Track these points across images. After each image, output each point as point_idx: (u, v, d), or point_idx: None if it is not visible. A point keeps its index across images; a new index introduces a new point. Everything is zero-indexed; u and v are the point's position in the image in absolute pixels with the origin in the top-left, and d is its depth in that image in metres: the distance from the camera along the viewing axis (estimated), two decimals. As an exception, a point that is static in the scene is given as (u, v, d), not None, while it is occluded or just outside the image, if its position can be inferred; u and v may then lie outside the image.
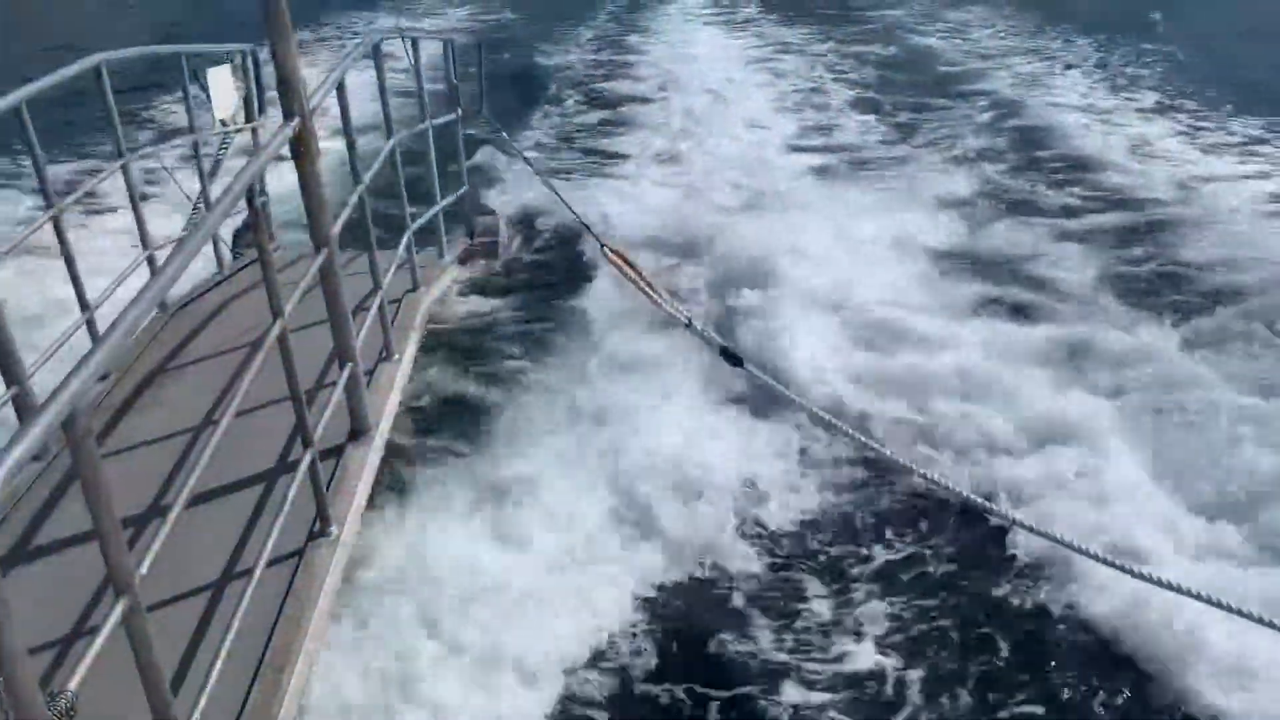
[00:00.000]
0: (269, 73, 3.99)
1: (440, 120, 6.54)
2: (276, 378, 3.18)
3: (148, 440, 4.15)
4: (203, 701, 2.50)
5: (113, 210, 8.03)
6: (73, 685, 1.90)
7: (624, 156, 11.10)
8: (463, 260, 7.14)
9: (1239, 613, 3.12)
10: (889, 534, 4.94)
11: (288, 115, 3.43)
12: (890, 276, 7.35)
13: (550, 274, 7.71)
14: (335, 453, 3.99)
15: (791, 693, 4.02)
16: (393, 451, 4.74)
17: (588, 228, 6.80)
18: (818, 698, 3.99)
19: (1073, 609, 4.30)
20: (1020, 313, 6.94)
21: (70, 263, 4.45)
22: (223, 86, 5.80)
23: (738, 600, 4.54)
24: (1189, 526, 4.65)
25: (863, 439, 4.63)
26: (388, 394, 4.56)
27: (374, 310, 4.59)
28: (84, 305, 4.56)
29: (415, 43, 6.32)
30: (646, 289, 6.14)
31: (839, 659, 4.20)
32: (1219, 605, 3.17)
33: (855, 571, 4.72)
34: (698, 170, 10.34)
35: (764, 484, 5.21)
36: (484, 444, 5.38)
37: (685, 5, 21.16)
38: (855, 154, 11.06)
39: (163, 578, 2.66)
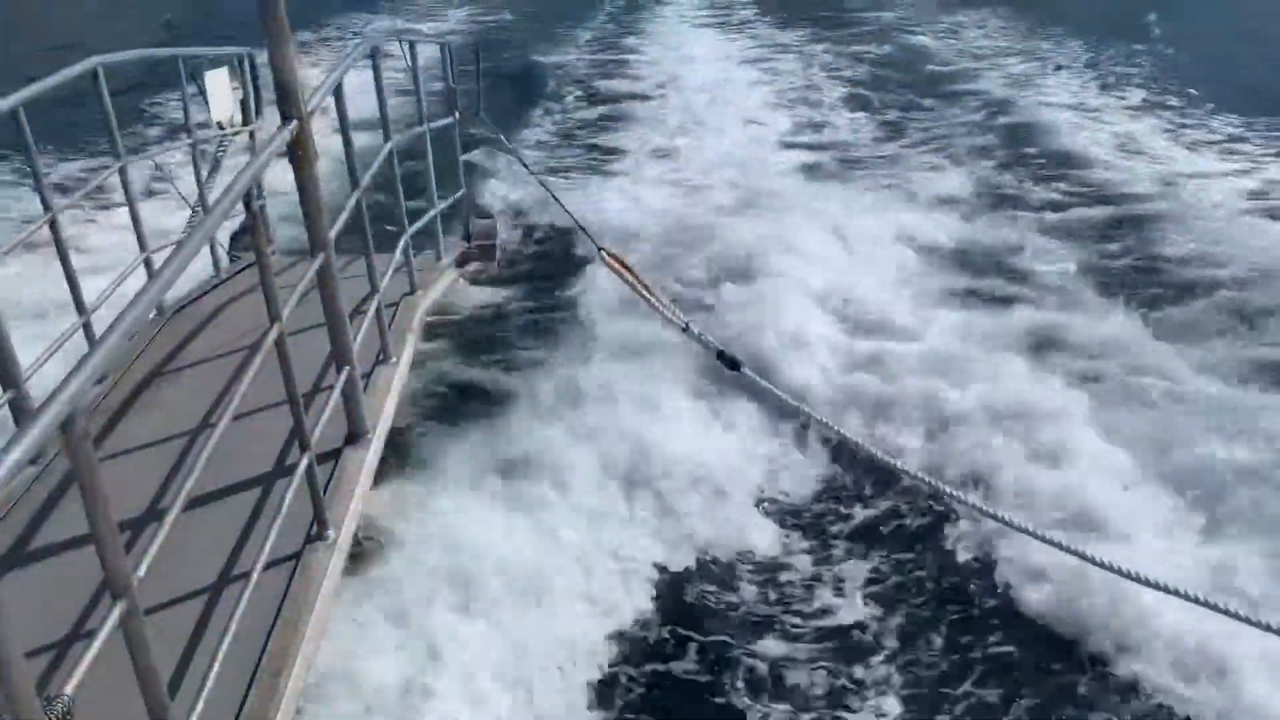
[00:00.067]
0: (266, 75, 4.00)
1: (438, 123, 6.55)
2: (274, 381, 3.18)
3: (145, 443, 4.15)
4: (200, 705, 2.49)
5: (110, 213, 8.03)
6: (69, 689, 1.90)
7: (622, 155, 11.19)
8: (460, 263, 7.14)
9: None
10: (882, 534, 4.99)
11: (285, 118, 3.43)
12: (881, 270, 7.53)
13: (547, 277, 7.72)
14: (333, 456, 3.99)
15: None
16: (390, 454, 4.74)
17: (585, 231, 6.81)
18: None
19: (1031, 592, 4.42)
20: (1002, 302, 7.14)
21: (67, 265, 4.45)
22: (220, 89, 5.80)
23: (733, 579, 4.67)
24: (1145, 504, 4.83)
25: (858, 441, 4.66)
26: (385, 397, 4.56)
27: (371, 313, 4.59)
28: (81, 308, 4.55)
29: (413, 46, 6.32)
30: (644, 292, 6.15)
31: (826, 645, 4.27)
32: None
33: (841, 561, 4.81)
34: (695, 170, 10.43)
35: (761, 481, 5.31)
36: (483, 446, 5.38)
37: (681, 8, 21.20)
38: (849, 151, 11.22)
39: (160, 581, 2.66)
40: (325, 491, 3.61)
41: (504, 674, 3.92)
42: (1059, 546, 3.77)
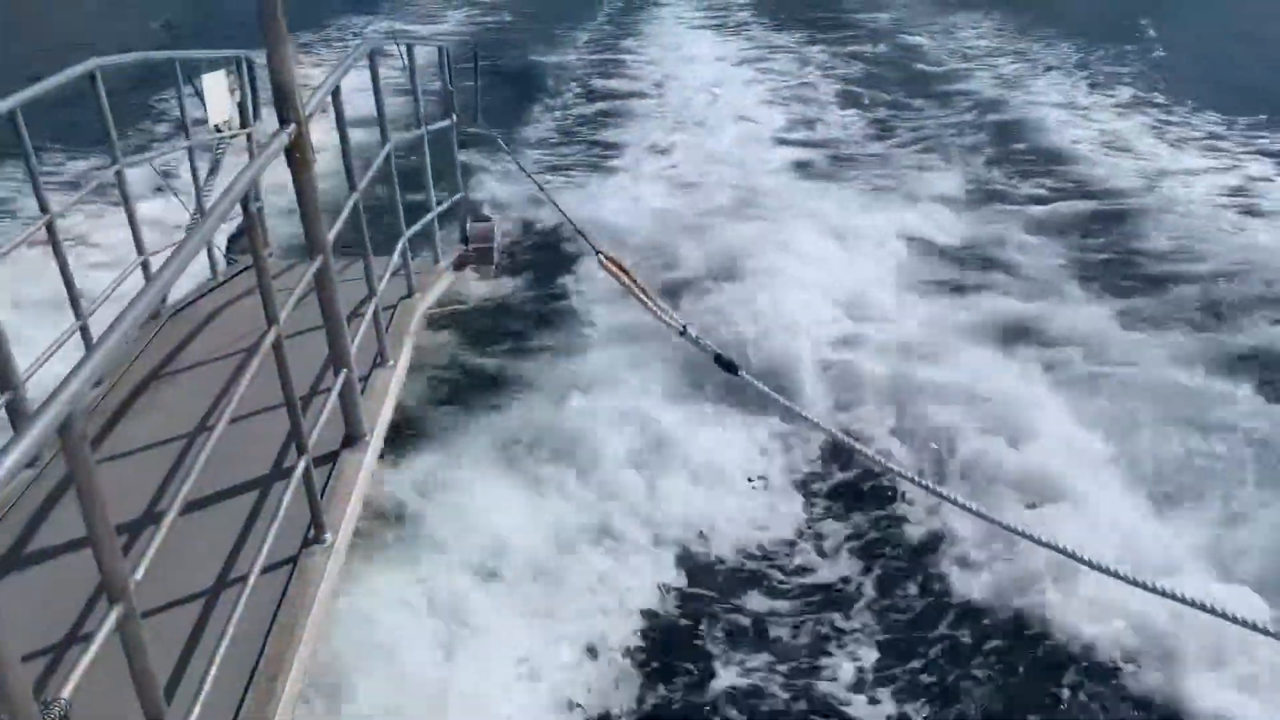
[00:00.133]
0: (264, 77, 4.00)
1: (435, 126, 6.55)
2: (271, 384, 3.18)
3: (142, 446, 4.14)
4: (197, 709, 2.49)
5: (108, 215, 8.02)
6: (66, 693, 1.89)
7: (620, 154, 11.31)
8: (458, 266, 7.14)
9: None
10: (878, 534, 5.05)
11: (283, 122, 3.43)
12: (870, 263, 7.78)
13: (545, 280, 7.74)
14: (330, 459, 3.98)
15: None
16: (387, 457, 4.74)
17: (583, 234, 6.80)
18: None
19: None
20: (984, 293, 7.40)
21: (64, 268, 4.45)
22: (217, 92, 5.79)
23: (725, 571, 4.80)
24: (1103, 483, 5.05)
25: (856, 445, 4.66)
26: (382, 400, 4.55)
27: (369, 316, 4.59)
28: (78, 311, 4.55)
29: (411, 48, 6.32)
30: (641, 296, 6.14)
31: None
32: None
33: (835, 559, 4.91)
34: (692, 168, 10.60)
35: (759, 480, 5.42)
36: (481, 448, 5.39)
37: (679, 9, 21.25)
38: (842, 149, 11.45)
39: (157, 584, 2.65)
40: (322, 495, 3.61)
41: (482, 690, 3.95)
42: (1050, 545, 3.75)
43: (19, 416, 3.77)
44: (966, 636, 4.36)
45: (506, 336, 6.84)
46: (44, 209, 4.28)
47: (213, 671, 2.58)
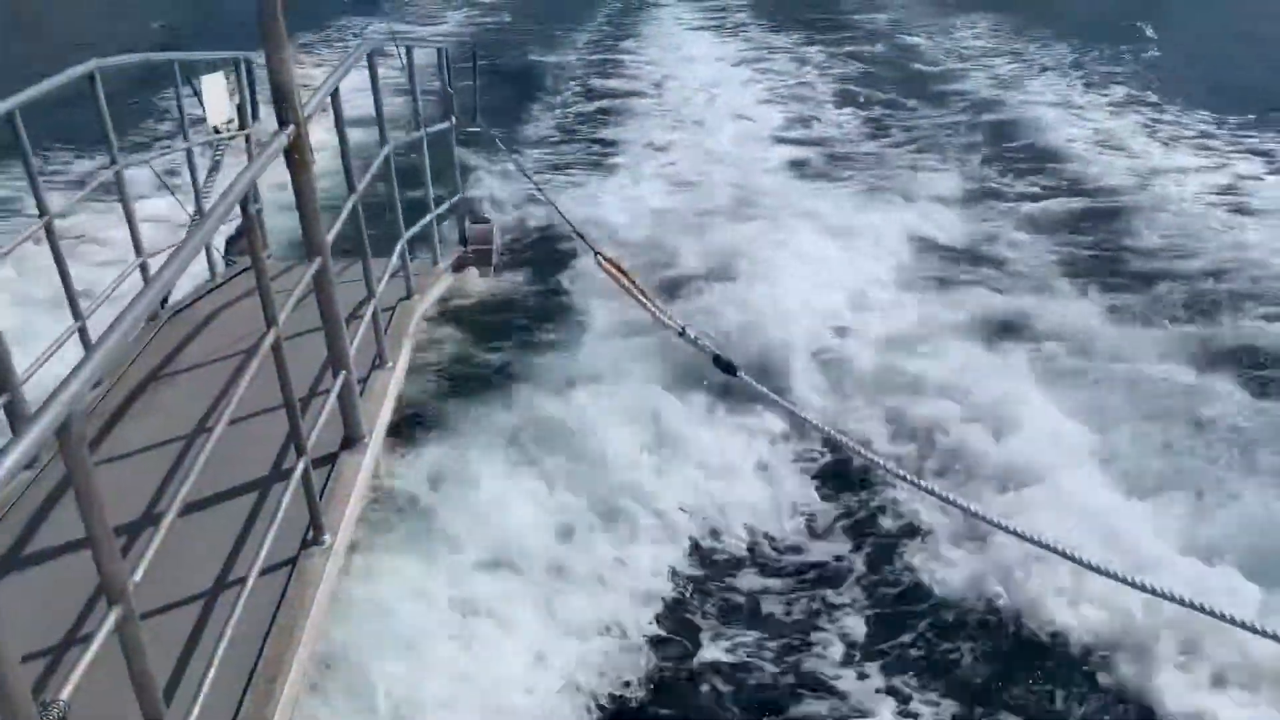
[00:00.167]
0: (262, 78, 4.00)
1: (434, 128, 6.55)
2: (270, 385, 3.18)
3: (140, 447, 4.14)
4: (195, 710, 2.49)
5: (106, 217, 8.02)
6: (65, 694, 1.89)
7: (618, 155, 11.36)
8: (457, 268, 7.14)
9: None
10: (874, 536, 5.06)
11: (282, 123, 3.43)
12: (865, 259, 7.89)
13: (544, 282, 7.74)
14: (328, 460, 3.98)
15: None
16: (386, 459, 4.74)
17: (582, 236, 6.81)
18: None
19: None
20: (979, 289, 7.53)
21: (63, 268, 4.44)
22: (216, 93, 5.80)
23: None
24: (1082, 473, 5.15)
25: (853, 445, 4.67)
26: (381, 402, 4.55)
27: (367, 318, 4.59)
28: (76, 312, 4.55)
29: (410, 50, 6.32)
30: (640, 297, 6.14)
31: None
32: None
33: (831, 558, 4.94)
34: (690, 166, 10.70)
35: (754, 480, 5.45)
36: (479, 450, 5.38)
37: (677, 11, 21.30)
38: (839, 148, 11.55)
39: (156, 586, 2.65)
40: (321, 496, 3.61)
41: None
42: (1035, 541, 3.79)
43: (17, 418, 3.77)
44: (950, 617, 4.46)
45: (505, 338, 6.84)
46: (43, 210, 4.28)
47: (211, 673, 2.58)
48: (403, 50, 6.28)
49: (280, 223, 6.31)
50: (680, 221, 8.68)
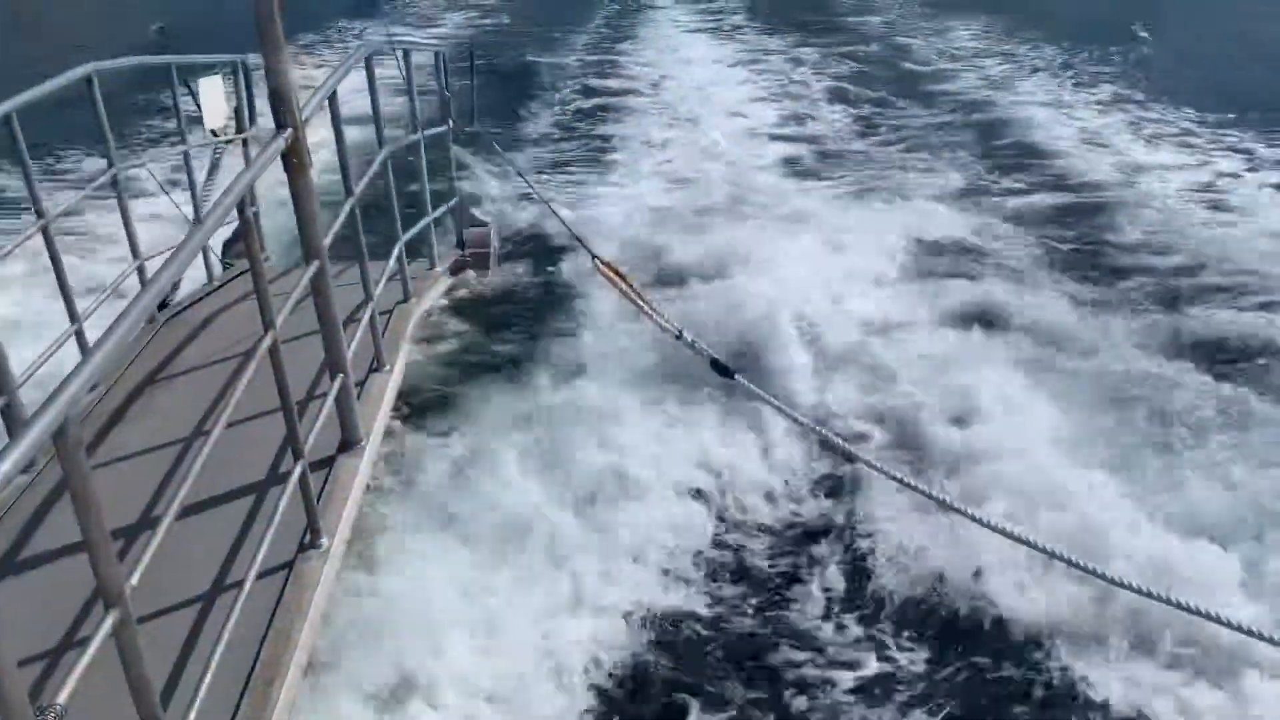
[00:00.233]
0: (260, 81, 4.00)
1: (432, 131, 6.55)
2: (267, 388, 3.18)
3: (137, 451, 4.14)
4: (192, 714, 2.48)
5: (103, 220, 8.02)
6: (62, 698, 1.89)
7: (615, 155, 11.44)
8: (454, 271, 7.14)
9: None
10: (870, 539, 5.04)
11: (280, 127, 3.43)
12: (860, 256, 7.99)
13: (541, 285, 7.74)
14: (326, 464, 3.98)
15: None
16: (383, 462, 4.74)
17: (579, 239, 6.83)
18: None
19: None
20: (966, 282, 7.67)
21: (60, 273, 4.44)
22: (213, 96, 5.80)
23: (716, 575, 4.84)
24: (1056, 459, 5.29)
25: (849, 448, 4.71)
26: (379, 405, 4.55)
27: (365, 321, 4.59)
28: (73, 316, 4.54)
29: (407, 54, 6.33)
30: (638, 300, 6.16)
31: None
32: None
33: (827, 561, 4.94)
34: (687, 167, 10.80)
35: (753, 481, 5.47)
36: (476, 452, 5.38)
37: (674, 14, 21.36)
38: (832, 147, 11.73)
39: (153, 590, 2.65)
40: (318, 499, 3.60)
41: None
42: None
43: (14, 421, 3.77)
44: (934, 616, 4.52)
45: (503, 342, 6.84)
46: (40, 213, 4.28)
47: (208, 677, 2.58)
48: (400, 54, 6.29)
49: (278, 225, 6.31)
50: (676, 220, 8.79)
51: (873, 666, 4.25)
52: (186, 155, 5.85)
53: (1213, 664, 4.02)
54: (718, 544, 4.99)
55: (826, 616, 4.52)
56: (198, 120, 5.95)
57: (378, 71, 5.40)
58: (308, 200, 3.59)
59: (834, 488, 5.39)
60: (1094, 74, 14.65)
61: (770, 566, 4.89)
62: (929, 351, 6.46)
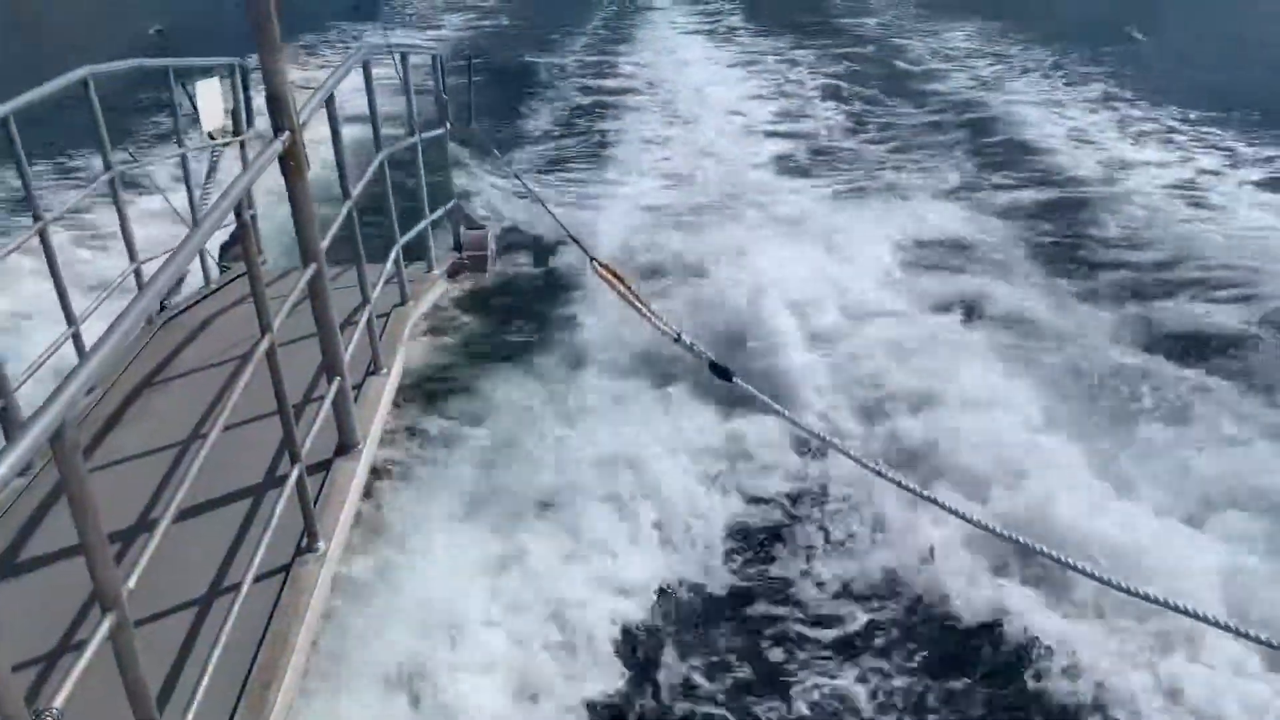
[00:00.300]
0: (257, 82, 4.00)
1: (429, 133, 6.55)
2: (264, 392, 3.17)
3: (135, 454, 4.13)
4: (189, 718, 2.48)
5: (100, 223, 8.01)
6: (59, 702, 1.89)
7: (613, 154, 11.57)
8: (451, 274, 7.13)
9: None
10: (866, 537, 5.13)
11: (277, 130, 3.43)
12: (852, 251, 8.23)
13: (538, 288, 7.75)
14: (323, 467, 3.97)
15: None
16: (381, 465, 4.74)
17: (577, 241, 6.81)
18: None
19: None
20: (946, 272, 8.01)
21: (57, 276, 4.43)
22: (211, 99, 5.79)
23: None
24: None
25: (848, 451, 4.70)
26: (376, 408, 4.55)
27: (362, 324, 4.58)
28: (70, 319, 4.54)
29: (405, 57, 6.33)
30: (635, 303, 6.15)
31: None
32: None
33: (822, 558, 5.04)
34: (683, 166, 10.99)
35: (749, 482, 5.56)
36: (474, 456, 5.39)
37: (671, 15, 21.41)
38: (826, 145, 11.97)
39: (149, 593, 2.64)
40: (316, 503, 3.60)
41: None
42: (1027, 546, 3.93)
43: (11, 424, 3.76)
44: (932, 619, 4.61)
45: (500, 345, 6.84)
46: (37, 216, 4.28)
47: (205, 680, 2.58)
48: (398, 57, 6.28)
49: (276, 226, 6.31)
50: (673, 219, 8.94)
51: (864, 660, 4.35)
52: (184, 158, 5.84)
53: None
54: (714, 544, 5.03)
55: (823, 612, 4.61)
56: (195, 123, 5.94)
57: (375, 74, 5.40)
58: (305, 203, 3.59)
59: (831, 488, 5.42)
60: (1084, 74, 14.85)
61: (768, 560, 4.98)
62: (913, 339, 6.67)
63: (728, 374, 5.74)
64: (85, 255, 7.65)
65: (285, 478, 3.33)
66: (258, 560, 3.02)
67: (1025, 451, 5.32)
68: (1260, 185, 10.04)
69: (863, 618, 4.59)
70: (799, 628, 4.54)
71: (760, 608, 4.67)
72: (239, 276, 5.88)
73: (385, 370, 4.86)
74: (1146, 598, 3.05)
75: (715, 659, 4.36)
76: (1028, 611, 4.41)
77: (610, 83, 15.20)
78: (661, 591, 4.64)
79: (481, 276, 7.50)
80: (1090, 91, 13.94)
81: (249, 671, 2.96)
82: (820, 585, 4.83)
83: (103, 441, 4.26)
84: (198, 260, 5.83)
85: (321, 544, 3.51)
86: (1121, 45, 16.24)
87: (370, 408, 4.51)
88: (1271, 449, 5.39)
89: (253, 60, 4.17)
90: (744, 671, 4.30)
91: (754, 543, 5.10)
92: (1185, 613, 3.01)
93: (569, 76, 15.67)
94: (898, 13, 21.03)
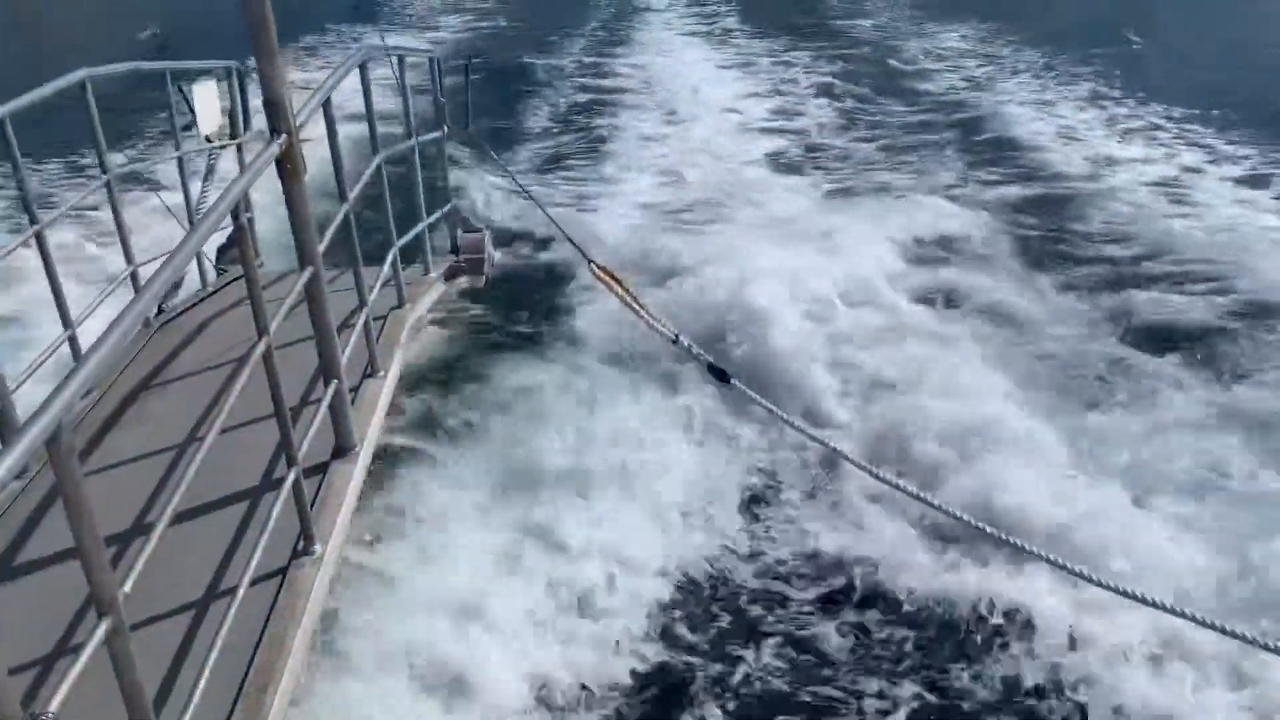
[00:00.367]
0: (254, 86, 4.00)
1: (426, 136, 6.54)
2: (261, 394, 3.17)
3: (130, 457, 4.12)
4: None
5: (97, 226, 8.00)
6: (54, 706, 1.88)
7: (610, 153, 11.73)
8: (448, 277, 7.11)
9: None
10: (861, 538, 5.24)
11: (274, 133, 3.42)
12: (844, 247, 8.49)
13: (537, 289, 7.76)
14: (320, 470, 3.96)
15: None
16: (377, 468, 4.73)
17: (575, 244, 6.81)
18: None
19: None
20: (941, 267, 8.27)
21: (53, 279, 4.42)
22: (208, 102, 5.78)
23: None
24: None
25: (844, 453, 4.73)
26: (373, 411, 4.54)
27: (359, 327, 4.58)
28: (66, 322, 4.53)
29: (401, 59, 6.31)
30: (634, 305, 6.14)
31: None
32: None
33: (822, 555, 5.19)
34: (680, 164, 11.16)
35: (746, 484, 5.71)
36: (472, 459, 5.39)
37: (667, 17, 21.45)
38: (819, 143, 12.24)
39: (146, 597, 2.64)
40: (312, 506, 3.59)
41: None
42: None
43: (7, 428, 3.75)
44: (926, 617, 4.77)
45: (498, 345, 6.85)
46: (33, 219, 4.27)
47: (202, 684, 2.57)
48: (394, 60, 6.27)
49: (273, 227, 6.30)
50: (670, 216, 9.16)
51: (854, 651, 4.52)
52: (181, 161, 5.83)
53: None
54: (712, 545, 5.12)
55: (817, 606, 4.76)
56: (192, 125, 5.93)
57: (373, 76, 5.39)
58: (302, 206, 3.58)
59: (827, 488, 5.46)
60: (1074, 74, 15.09)
61: (766, 555, 5.12)
62: (898, 328, 6.96)
63: (725, 376, 5.73)
64: (82, 258, 7.64)
65: (282, 481, 3.32)
66: (254, 563, 3.01)
67: (995, 434, 5.56)
68: (1240, 182, 10.32)
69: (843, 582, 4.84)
70: (797, 592, 4.77)
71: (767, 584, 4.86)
72: (236, 279, 5.88)
73: (382, 373, 4.85)
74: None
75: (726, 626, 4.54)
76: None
77: (607, 83, 15.31)
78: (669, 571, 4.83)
79: (479, 279, 7.50)
80: (1079, 89, 14.26)
81: (245, 675, 2.95)
82: (813, 556, 5.04)
83: (99, 444, 4.25)
84: (194, 263, 5.82)
85: (318, 547, 3.50)
86: (1117, 47, 16.37)
87: (367, 410, 4.50)
88: (1231, 434, 5.67)
89: (251, 63, 4.18)
90: (764, 647, 4.48)
91: (759, 526, 5.25)
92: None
93: (567, 77, 15.75)
94: (891, 14, 21.08)
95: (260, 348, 3.07)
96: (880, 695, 4.25)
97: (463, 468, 5.29)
